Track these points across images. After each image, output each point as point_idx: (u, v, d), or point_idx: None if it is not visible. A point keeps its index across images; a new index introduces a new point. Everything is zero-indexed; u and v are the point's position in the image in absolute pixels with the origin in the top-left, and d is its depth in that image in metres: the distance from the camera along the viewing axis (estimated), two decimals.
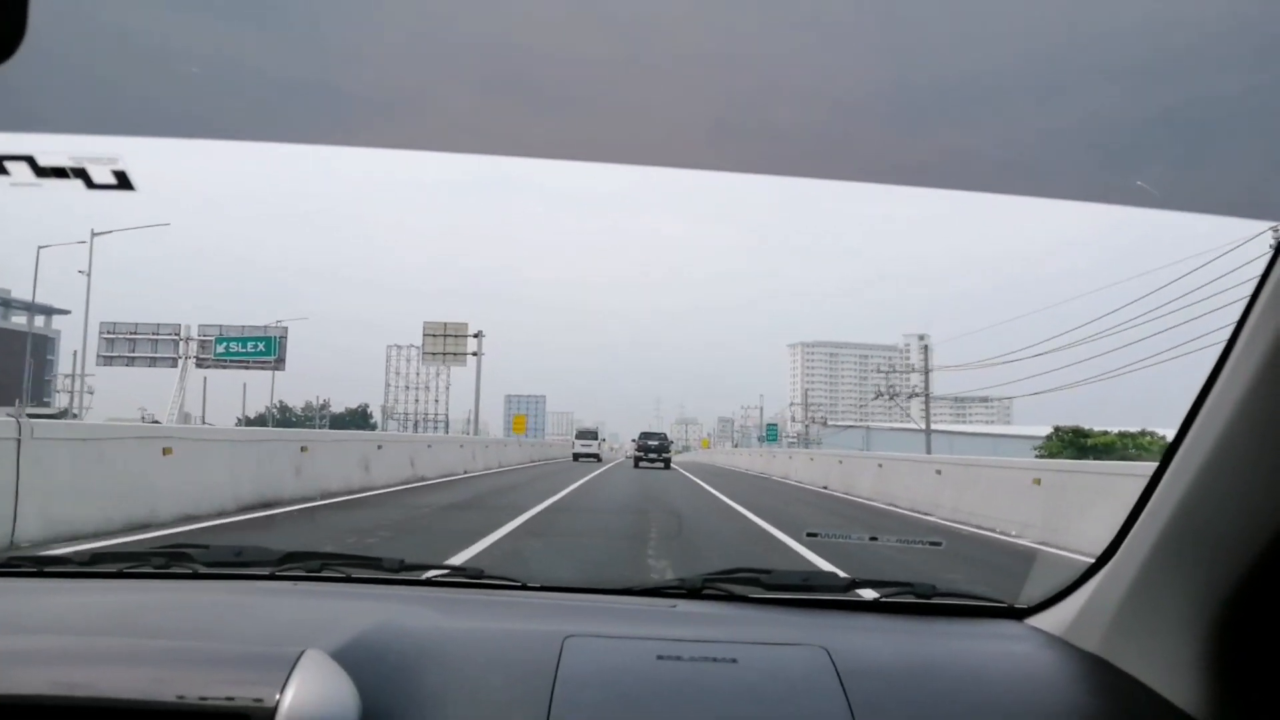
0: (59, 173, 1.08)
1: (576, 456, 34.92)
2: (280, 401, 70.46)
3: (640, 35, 1.00)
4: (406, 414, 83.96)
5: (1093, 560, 1.26)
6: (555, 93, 1.10)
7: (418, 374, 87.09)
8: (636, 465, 30.17)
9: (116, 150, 1.07)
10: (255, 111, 1.07)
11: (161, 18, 1.02)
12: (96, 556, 1.52)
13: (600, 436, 39.49)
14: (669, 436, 34.16)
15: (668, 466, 30.17)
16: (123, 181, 1.08)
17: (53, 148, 1.07)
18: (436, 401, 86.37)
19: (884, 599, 1.48)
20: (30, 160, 1.08)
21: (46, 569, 1.51)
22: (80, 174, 1.08)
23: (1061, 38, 0.97)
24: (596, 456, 35.16)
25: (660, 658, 1.17)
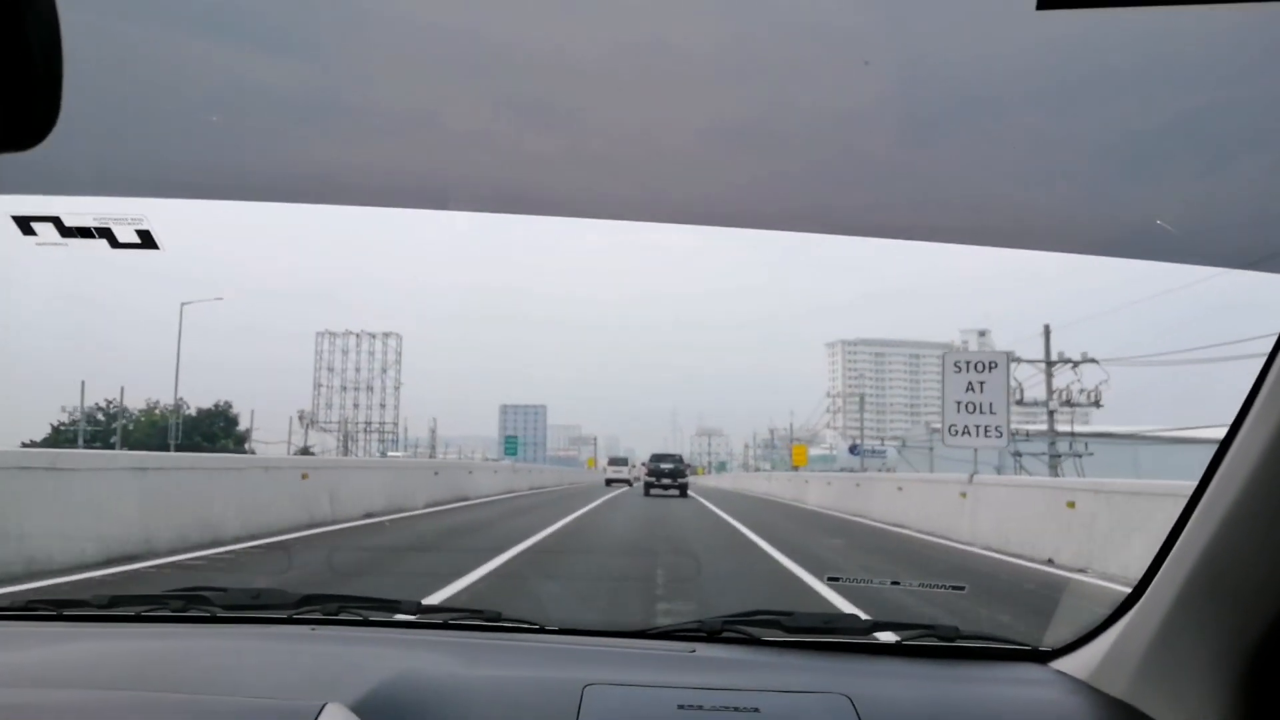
0: (84, 233, 1.24)
1: (609, 482, 39.61)
2: (111, 401, 50.95)
3: (648, 54, 1.13)
4: (346, 423, 72.54)
5: (1123, 598, 1.37)
6: (562, 111, 1.24)
7: (356, 370, 75.82)
8: (648, 492, 28.19)
9: (140, 211, 1.24)
10: (272, 173, 1.23)
11: (183, 75, 1.19)
12: (115, 599, 1.69)
13: (631, 462, 40.59)
14: (684, 459, 31.80)
15: (684, 494, 27.94)
16: (146, 240, 1.24)
17: (79, 209, 1.23)
18: (383, 406, 75.52)
19: (906, 642, 1.60)
20: (57, 221, 1.24)
21: (66, 612, 1.67)
22: (105, 234, 1.24)
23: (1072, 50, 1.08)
24: (628, 482, 38.15)
25: (681, 707, 1.31)
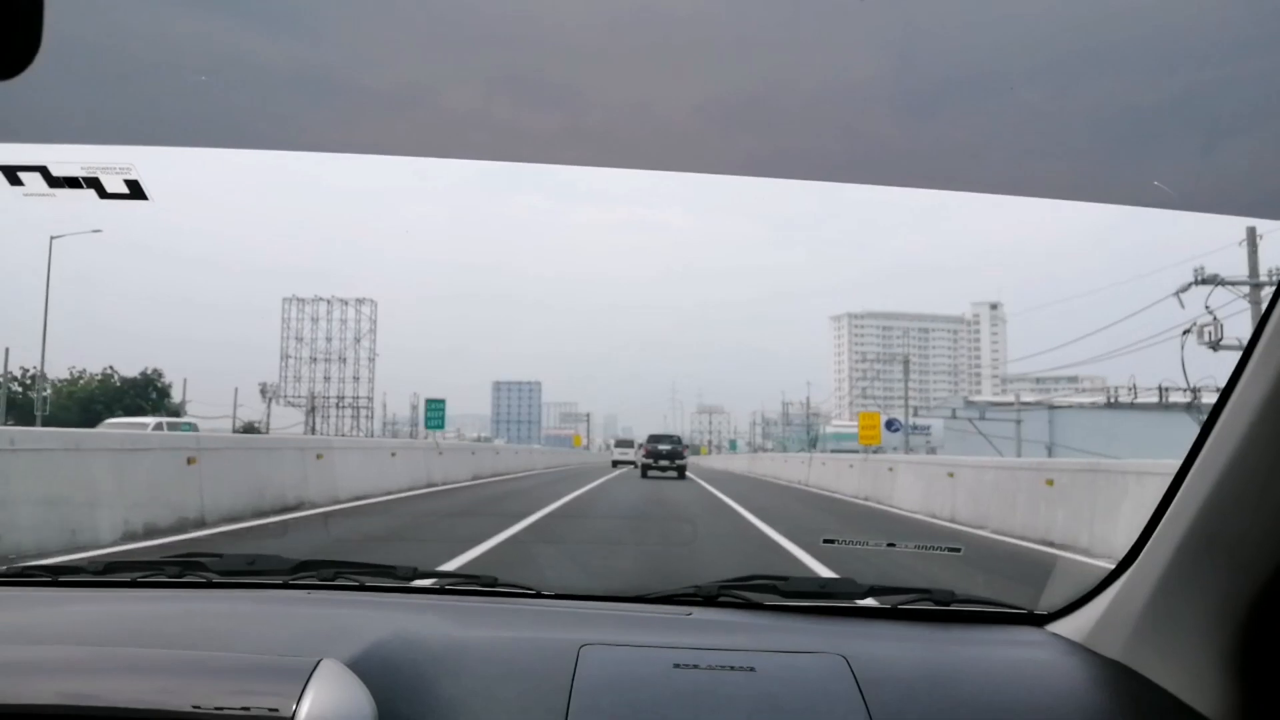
0: (72, 183, 1.26)
1: (615, 463, 40.67)
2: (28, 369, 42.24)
3: (646, 31, 1.15)
4: (313, 397, 66.20)
5: (1114, 565, 1.41)
6: (562, 89, 1.25)
7: (327, 339, 69.52)
8: (645, 474, 28.51)
9: (129, 159, 1.25)
10: (264, 117, 1.24)
11: (170, 28, 1.20)
12: (111, 565, 1.73)
13: (637, 445, 41.80)
14: (683, 440, 32.36)
15: (682, 475, 28.37)
16: (135, 191, 1.25)
17: (66, 158, 1.25)
18: (356, 379, 69.46)
19: (902, 606, 1.66)
20: (44, 170, 1.26)
21: (61, 578, 1.72)
22: (93, 184, 1.26)
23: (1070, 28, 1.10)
24: (634, 463, 38.34)
25: (677, 666, 1.35)
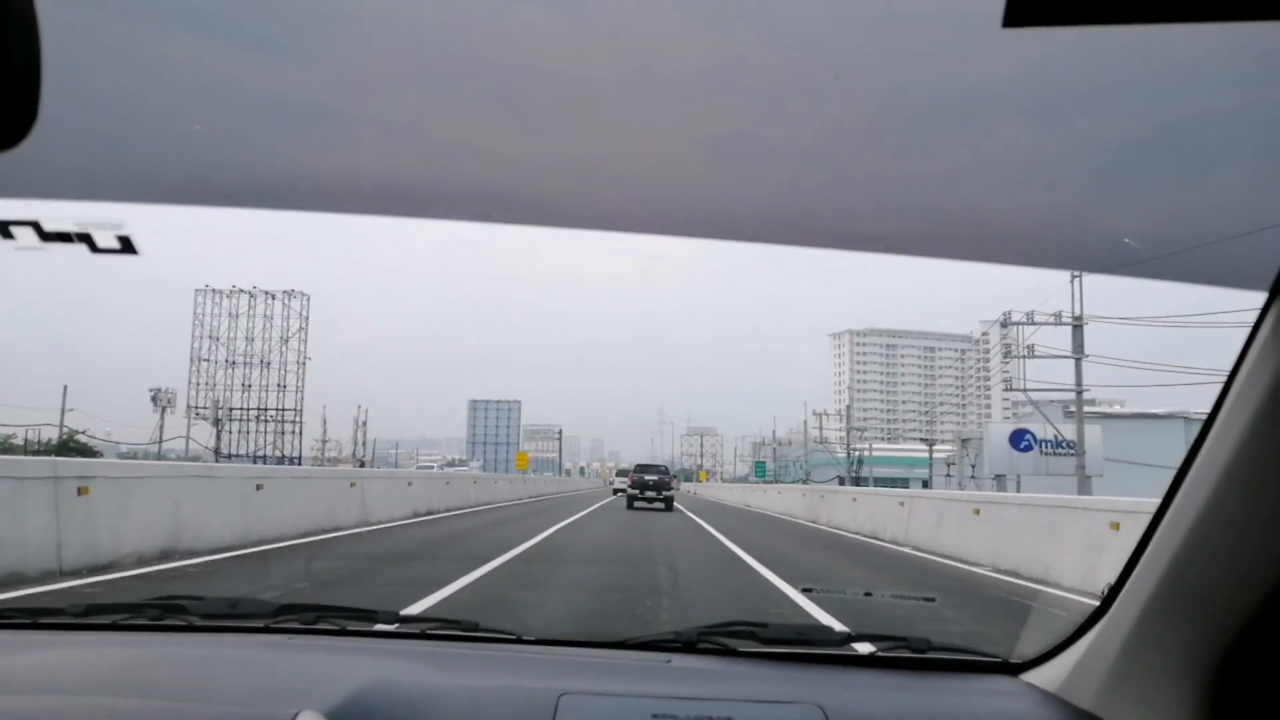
0: (64, 237, 1.35)
1: (616, 490, 43.20)
2: None
3: (636, 57, 1.24)
4: (218, 406, 57.98)
5: (1089, 613, 1.50)
6: (548, 114, 1.35)
7: (248, 339, 60.15)
8: (630, 505, 29.04)
9: (120, 216, 1.34)
10: (256, 180, 1.34)
11: (161, 87, 1.29)
12: (92, 608, 1.79)
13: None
14: (669, 471, 32.56)
15: (669, 508, 28.86)
16: (126, 246, 1.35)
17: (58, 214, 1.34)
18: (282, 389, 60.18)
19: (879, 653, 1.75)
20: (35, 225, 1.35)
21: (41, 620, 1.78)
22: (85, 239, 1.35)
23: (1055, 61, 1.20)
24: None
25: (656, 716, 1.44)
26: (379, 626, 1.86)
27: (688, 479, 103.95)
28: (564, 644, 1.86)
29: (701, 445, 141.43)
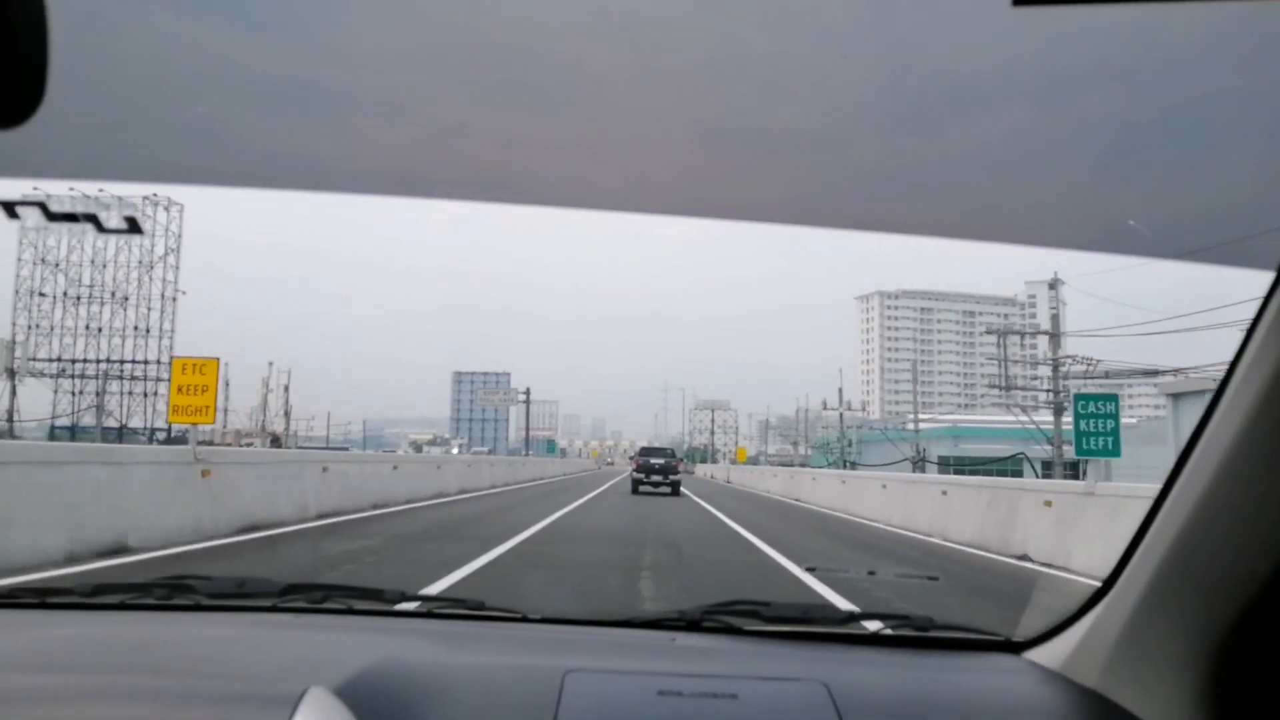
0: (71, 218, 1.47)
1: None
2: None
3: (639, 41, 1.34)
4: (61, 360, 45.59)
5: (1093, 590, 1.61)
6: (552, 98, 1.46)
7: (98, 265, 46.58)
8: (635, 490, 29.69)
9: (124, 195, 1.46)
10: (260, 157, 1.45)
11: (168, 69, 1.40)
12: (99, 588, 1.94)
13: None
14: (676, 453, 33.03)
15: (675, 492, 29.54)
16: (132, 225, 1.46)
17: (66, 194, 1.46)
18: (145, 333, 47.04)
19: (883, 632, 1.91)
20: (43, 205, 1.47)
21: (49, 600, 1.92)
22: (91, 218, 1.47)
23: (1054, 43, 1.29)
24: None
25: (661, 693, 1.57)
26: (386, 605, 2.00)
27: (701, 459, 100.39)
28: (570, 623, 1.99)
29: (713, 420, 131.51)
